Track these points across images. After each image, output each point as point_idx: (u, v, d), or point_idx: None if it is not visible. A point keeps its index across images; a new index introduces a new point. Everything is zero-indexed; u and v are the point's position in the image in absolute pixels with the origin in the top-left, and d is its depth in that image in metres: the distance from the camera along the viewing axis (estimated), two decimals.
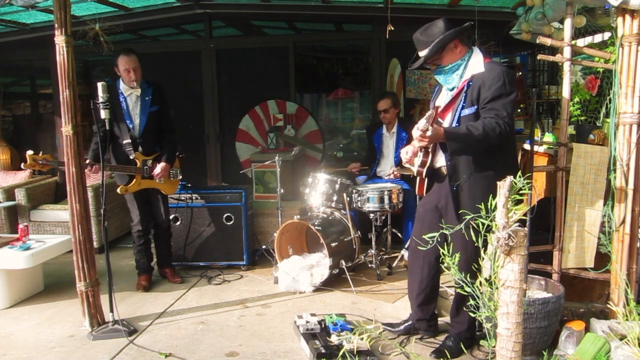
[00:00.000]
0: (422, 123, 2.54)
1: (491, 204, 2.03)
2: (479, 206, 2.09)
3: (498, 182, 2.00)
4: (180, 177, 4.28)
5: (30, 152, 3.42)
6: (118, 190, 3.92)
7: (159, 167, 3.97)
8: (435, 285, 3.10)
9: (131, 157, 3.92)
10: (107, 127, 3.34)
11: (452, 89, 2.82)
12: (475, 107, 2.68)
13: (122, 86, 3.91)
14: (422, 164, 2.87)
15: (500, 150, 2.70)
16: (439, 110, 2.87)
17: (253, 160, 5.16)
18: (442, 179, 2.92)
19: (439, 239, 2.34)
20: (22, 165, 3.43)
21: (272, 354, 3.02)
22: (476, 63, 2.74)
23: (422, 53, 2.78)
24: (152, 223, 4.23)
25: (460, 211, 2.70)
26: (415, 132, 2.58)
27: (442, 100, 2.90)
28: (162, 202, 4.19)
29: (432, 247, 2.58)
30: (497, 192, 2.28)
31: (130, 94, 3.92)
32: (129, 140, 3.90)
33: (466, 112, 2.71)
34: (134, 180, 3.93)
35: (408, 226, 4.64)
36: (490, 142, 2.58)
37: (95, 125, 3.69)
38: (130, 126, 3.91)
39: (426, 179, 2.95)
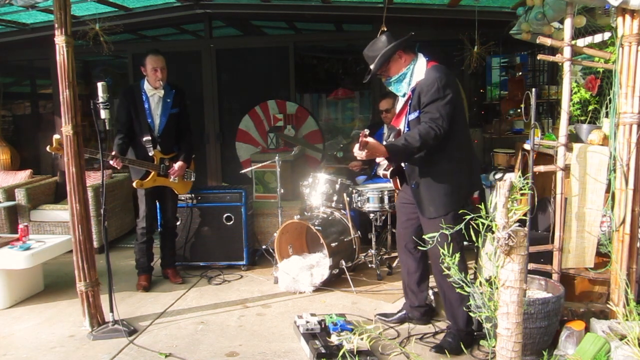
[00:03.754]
0: (356, 147, 2.74)
1: (490, 203, 2.03)
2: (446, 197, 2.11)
3: (498, 182, 2.00)
4: (194, 179, 4.35)
5: (57, 136, 3.43)
6: (134, 184, 4.00)
7: (176, 166, 4.08)
8: (424, 271, 3.29)
9: (150, 154, 4.01)
10: (108, 127, 3.35)
11: (404, 95, 3.02)
12: (418, 111, 2.88)
13: (146, 86, 4.01)
14: (387, 168, 3.15)
15: (451, 147, 2.89)
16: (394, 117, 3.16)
17: (253, 160, 5.15)
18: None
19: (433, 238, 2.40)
20: (47, 148, 3.44)
21: (272, 354, 3.02)
22: (419, 70, 2.93)
23: (372, 67, 2.99)
24: (156, 223, 4.27)
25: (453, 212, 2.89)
26: (357, 152, 2.75)
27: (398, 107, 3.13)
28: (171, 201, 4.26)
29: (408, 236, 3.17)
30: (451, 184, 2.80)
31: (153, 95, 4.02)
32: (149, 138, 4.01)
33: (411, 117, 2.94)
34: (150, 175, 4.01)
35: None
36: (429, 145, 2.78)
37: (118, 123, 3.95)
38: (152, 125, 4.02)
39: (397, 177, 3.20)
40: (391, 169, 3.14)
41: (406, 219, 3.20)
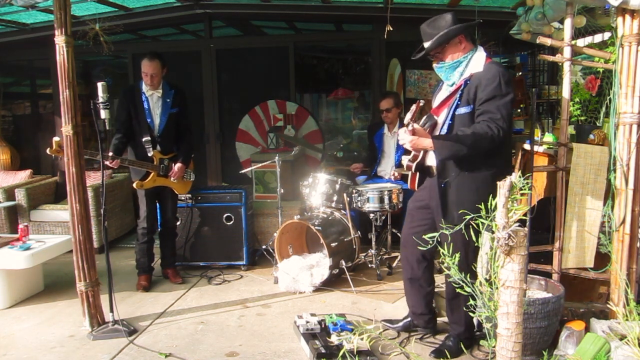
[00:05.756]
0: (407, 117, 2.55)
1: (491, 204, 2.02)
2: (476, 206, 2.09)
3: (498, 182, 2.00)
4: (193, 178, 4.35)
5: (56, 139, 3.43)
6: (134, 185, 4.01)
7: (175, 167, 4.08)
8: (428, 279, 3.10)
9: (149, 155, 4.02)
10: (108, 127, 3.36)
11: (452, 85, 2.79)
12: (472, 106, 2.65)
13: (144, 87, 4.03)
14: (413, 159, 2.87)
15: (495, 154, 2.66)
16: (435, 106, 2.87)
17: (253, 160, 5.15)
18: (432, 176, 2.91)
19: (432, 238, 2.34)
20: (47, 151, 3.46)
21: (272, 354, 3.02)
22: (477, 62, 2.71)
23: (427, 44, 2.77)
24: (157, 223, 4.28)
25: (460, 211, 2.64)
26: (404, 136, 2.59)
27: (441, 96, 2.88)
28: (171, 201, 4.27)
29: (419, 243, 2.64)
30: (484, 191, 2.37)
31: (152, 95, 4.05)
32: (149, 138, 4.01)
33: (461, 110, 2.69)
34: (150, 176, 4.02)
35: None
36: (482, 147, 2.55)
37: (118, 122, 3.96)
38: (151, 125, 4.03)
39: (417, 174, 2.95)
40: (417, 161, 2.85)
41: (418, 226, 2.94)
